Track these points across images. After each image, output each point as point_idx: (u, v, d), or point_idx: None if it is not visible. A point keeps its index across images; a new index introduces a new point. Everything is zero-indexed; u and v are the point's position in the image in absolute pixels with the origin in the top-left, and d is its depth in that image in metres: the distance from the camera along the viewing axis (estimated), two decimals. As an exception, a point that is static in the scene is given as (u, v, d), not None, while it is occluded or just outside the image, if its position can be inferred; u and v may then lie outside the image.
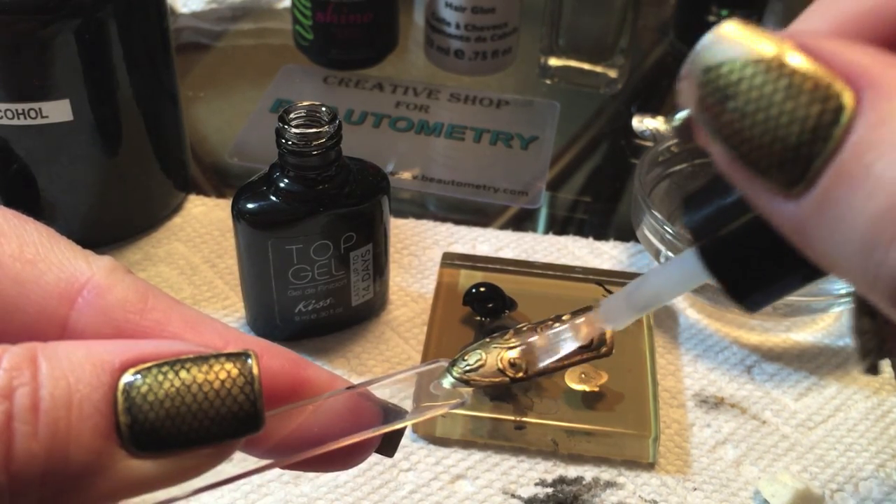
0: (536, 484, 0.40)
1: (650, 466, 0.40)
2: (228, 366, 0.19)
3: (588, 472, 0.40)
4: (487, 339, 0.25)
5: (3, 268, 0.20)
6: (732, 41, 0.16)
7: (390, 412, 0.23)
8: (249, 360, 0.19)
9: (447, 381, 0.24)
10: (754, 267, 0.19)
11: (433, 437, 0.41)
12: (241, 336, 0.21)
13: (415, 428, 0.41)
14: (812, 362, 0.46)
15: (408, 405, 0.23)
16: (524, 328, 0.25)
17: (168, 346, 0.19)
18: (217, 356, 0.19)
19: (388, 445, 0.24)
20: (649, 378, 0.42)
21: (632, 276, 0.48)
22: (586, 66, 0.64)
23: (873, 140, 0.15)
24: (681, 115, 0.19)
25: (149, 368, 0.18)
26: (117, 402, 0.18)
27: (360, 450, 0.23)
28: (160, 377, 0.18)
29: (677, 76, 0.17)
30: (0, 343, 0.18)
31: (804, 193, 0.16)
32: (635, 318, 0.22)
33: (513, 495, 0.39)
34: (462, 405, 0.24)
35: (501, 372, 0.24)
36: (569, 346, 0.23)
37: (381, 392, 0.23)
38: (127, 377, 0.18)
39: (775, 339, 0.47)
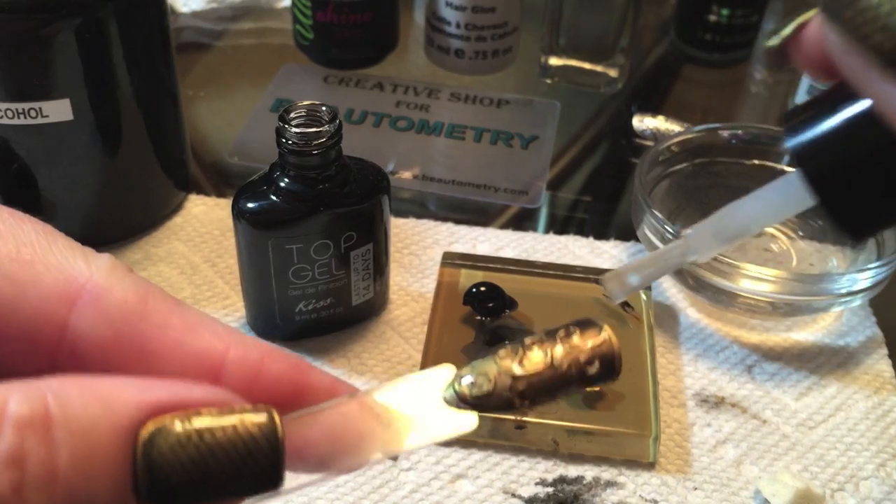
0: (537, 483, 0.40)
1: (650, 466, 0.40)
2: (252, 427, 0.18)
3: (588, 472, 0.40)
4: (499, 357, 0.24)
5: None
6: None
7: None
8: (273, 421, 0.18)
9: (451, 396, 0.23)
10: (865, 192, 0.18)
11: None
12: (242, 338, 0.21)
13: (415, 427, 0.41)
14: (812, 362, 0.46)
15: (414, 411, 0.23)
16: (535, 345, 0.24)
17: (186, 392, 0.18)
18: (241, 413, 0.18)
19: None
20: (650, 377, 0.42)
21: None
22: (586, 66, 0.64)
23: None
24: (775, 41, 0.18)
25: (169, 426, 0.18)
26: (136, 460, 0.17)
27: (358, 443, 0.23)
28: (182, 439, 0.18)
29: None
30: (4, 371, 0.18)
31: None
32: (721, 250, 0.21)
33: (513, 495, 0.39)
34: (468, 431, 0.24)
35: (509, 402, 0.24)
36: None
37: (386, 398, 0.22)
38: (146, 435, 0.17)
39: (776, 339, 0.47)
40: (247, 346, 0.21)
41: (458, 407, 0.23)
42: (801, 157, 0.18)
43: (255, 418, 0.18)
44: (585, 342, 0.23)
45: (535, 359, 0.23)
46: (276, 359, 0.21)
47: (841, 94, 0.18)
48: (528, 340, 0.23)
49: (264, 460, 0.18)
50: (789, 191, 0.19)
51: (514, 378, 0.23)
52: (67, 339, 0.20)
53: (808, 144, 0.18)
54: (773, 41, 0.18)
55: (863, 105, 0.17)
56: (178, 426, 0.18)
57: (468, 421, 0.23)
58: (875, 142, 0.17)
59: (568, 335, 0.23)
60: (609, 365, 0.23)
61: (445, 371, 0.23)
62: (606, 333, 0.23)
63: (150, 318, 0.20)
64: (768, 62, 0.17)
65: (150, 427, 0.18)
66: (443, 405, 0.23)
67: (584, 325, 0.23)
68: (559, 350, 0.23)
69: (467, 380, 0.23)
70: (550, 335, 0.24)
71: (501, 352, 0.23)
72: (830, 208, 0.18)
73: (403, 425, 0.22)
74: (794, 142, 0.18)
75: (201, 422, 0.18)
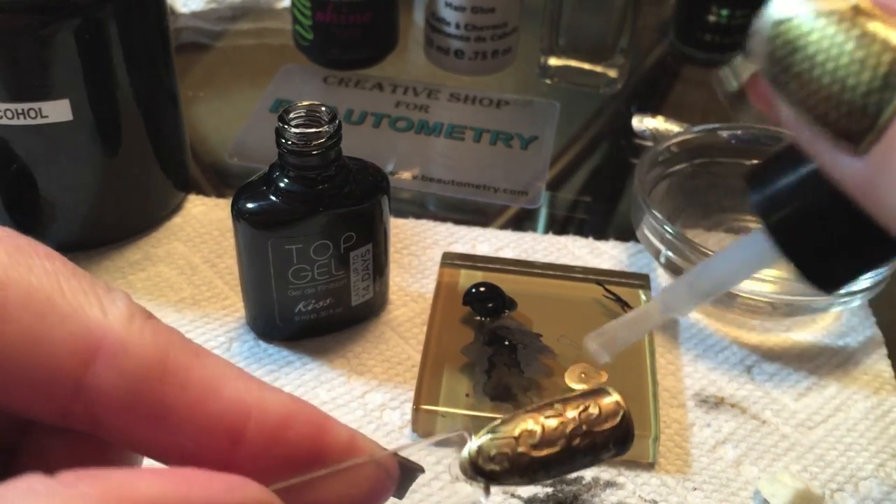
0: (539, 484, 0.40)
1: (650, 466, 0.40)
2: None
3: (588, 472, 0.40)
4: (518, 431, 0.23)
5: (9, 322, 0.18)
6: None
7: (406, 468, 0.22)
8: None
9: (467, 467, 0.23)
10: (829, 246, 0.18)
11: (437, 445, 0.41)
12: (262, 395, 0.20)
13: (414, 427, 0.41)
14: (812, 362, 0.46)
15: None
16: (554, 418, 0.23)
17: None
18: None
19: (400, 489, 0.23)
20: (649, 378, 0.42)
21: (632, 275, 0.48)
22: (586, 66, 0.64)
23: None
24: (739, 76, 0.18)
25: None
26: None
27: (371, 497, 0.22)
28: None
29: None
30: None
31: (872, 145, 0.15)
32: (698, 306, 0.22)
33: (513, 495, 0.39)
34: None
35: (522, 480, 0.24)
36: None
37: (402, 462, 0.22)
38: None
39: (775, 339, 0.47)
40: (268, 408, 0.20)
41: (472, 477, 0.23)
42: (764, 213, 0.18)
43: None
44: (603, 425, 0.23)
45: (553, 438, 0.23)
46: (298, 421, 0.20)
47: (799, 150, 0.18)
48: (549, 415, 0.23)
49: None
50: (757, 247, 0.19)
51: (532, 458, 0.23)
52: (82, 395, 0.18)
53: (770, 200, 0.18)
54: (730, 85, 0.18)
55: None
56: None
57: (479, 496, 0.23)
58: (834, 197, 0.17)
59: (587, 415, 0.23)
60: (622, 445, 0.23)
61: (463, 434, 0.23)
62: (625, 417, 0.23)
63: (169, 378, 0.19)
64: (730, 103, 0.17)
65: None
66: (455, 471, 0.23)
67: (606, 407, 0.23)
68: (577, 431, 0.23)
69: (486, 455, 0.23)
70: (568, 403, 0.23)
71: (521, 427, 0.23)
72: (795, 263, 0.18)
73: (414, 466, 0.22)
74: (756, 197, 0.18)
75: None
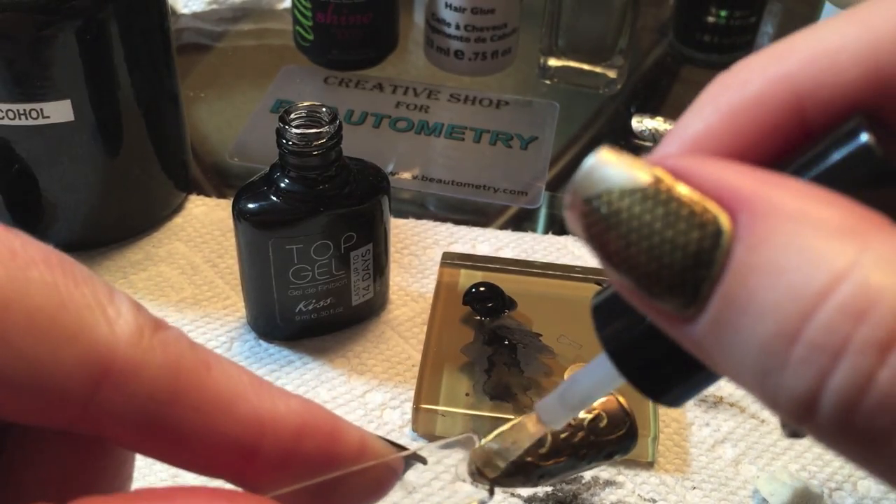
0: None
1: (649, 465, 0.41)
2: None
3: (587, 472, 0.40)
4: (525, 438, 0.23)
5: (11, 347, 0.17)
6: (608, 170, 0.16)
7: (409, 460, 0.23)
8: None
9: (474, 472, 0.23)
10: (665, 369, 0.18)
11: (433, 436, 0.41)
12: (275, 410, 0.19)
13: (415, 426, 0.41)
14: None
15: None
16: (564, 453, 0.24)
17: None
18: None
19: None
20: (648, 377, 0.42)
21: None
22: (586, 67, 0.64)
23: (752, 264, 0.15)
24: None
25: None
26: None
27: (374, 493, 0.22)
28: None
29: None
30: None
31: (698, 316, 0.16)
32: (572, 416, 0.22)
33: (512, 494, 0.39)
34: None
35: (525, 483, 0.24)
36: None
37: (410, 465, 0.22)
38: None
39: (774, 339, 0.47)
40: (281, 422, 0.19)
41: (478, 480, 0.23)
42: (605, 343, 0.19)
43: None
44: (610, 435, 0.23)
45: (561, 449, 0.23)
46: (311, 432, 0.20)
47: None
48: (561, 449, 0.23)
49: None
50: (603, 370, 0.20)
51: (538, 467, 0.23)
52: (90, 415, 0.18)
53: (604, 317, 0.19)
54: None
55: None
56: None
57: (482, 498, 0.23)
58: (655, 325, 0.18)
59: (595, 426, 0.23)
60: (626, 452, 0.24)
61: (470, 438, 0.23)
62: (631, 426, 0.23)
63: (181, 399, 0.18)
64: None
65: None
66: (462, 473, 0.23)
67: (614, 418, 0.24)
68: (584, 441, 0.23)
69: (493, 463, 0.23)
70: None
71: (514, 444, 0.23)
72: (633, 383, 0.19)
73: (418, 457, 0.22)
74: (597, 328, 0.19)
75: None
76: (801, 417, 0.15)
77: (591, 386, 0.21)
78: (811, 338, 0.14)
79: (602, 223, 0.16)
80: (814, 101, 0.17)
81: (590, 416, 0.23)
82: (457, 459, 0.24)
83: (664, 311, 0.16)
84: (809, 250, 0.15)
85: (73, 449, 0.20)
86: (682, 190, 0.16)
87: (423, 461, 0.23)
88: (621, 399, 0.24)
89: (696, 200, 0.16)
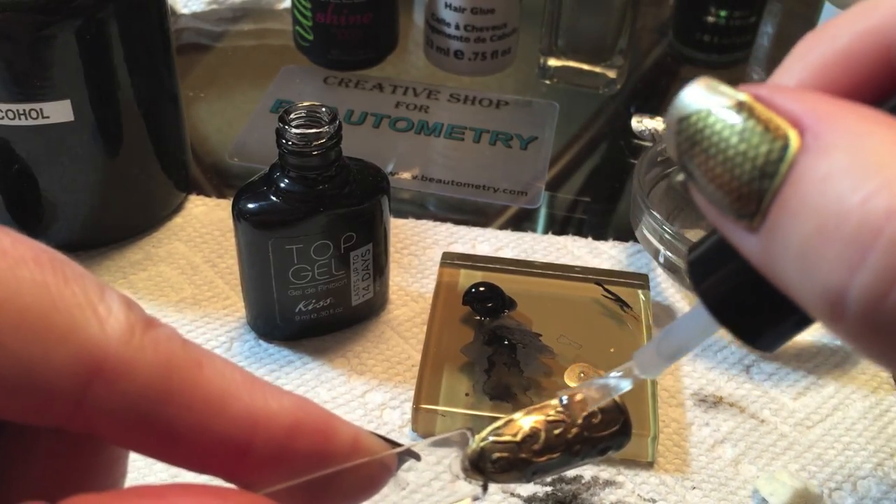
0: (536, 482, 0.40)
1: (649, 465, 0.41)
2: None
3: (587, 471, 0.40)
4: (521, 432, 0.23)
5: (1, 346, 0.17)
6: (700, 94, 0.18)
7: (403, 457, 0.23)
8: None
9: (468, 467, 0.24)
10: (758, 314, 0.20)
11: (438, 444, 0.41)
12: (268, 407, 0.19)
13: (414, 426, 0.41)
14: (810, 361, 0.46)
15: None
16: (556, 423, 0.24)
17: None
18: None
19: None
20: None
21: (631, 275, 0.48)
22: (585, 67, 0.64)
23: (808, 173, 0.17)
24: (680, 177, 0.21)
25: None
26: None
27: (368, 490, 0.22)
28: None
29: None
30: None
31: (761, 226, 0.17)
32: (668, 366, 0.23)
33: (512, 494, 0.39)
34: (475, 500, 0.24)
35: (521, 479, 0.24)
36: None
37: (403, 461, 0.22)
38: None
39: (774, 339, 0.47)
40: (274, 420, 0.19)
41: (472, 476, 0.23)
42: (696, 283, 0.21)
43: None
44: (603, 431, 0.24)
45: (555, 445, 0.23)
46: (304, 430, 0.20)
47: None
48: (552, 419, 0.23)
49: None
50: (699, 319, 0.21)
51: (532, 463, 0.23)
52: (81, 413, 0.18)
53: (700, 270, 0.20)
54: (677, 180, 0.21)
55: None
56: None
57: (476, 493, 0.24)
58: (747, 267, 0.19)
59: (589, 422, 0.24)
60: (618, 449, 0.24)
61: (464, 434, 0.24)
62: (625, 423, 0.23)
63: (174, 399, 0.18)
64: (681, 191, 0.21)
65: None
66: (456, 470, 0.24)
67: (608, 414, 0.24)
68: (578, 438, 0.23)
69: (487, 457, 0.23)
70: (572, 402, 0.24)
71: (524, 432, 0.23)
72: (729, 328, 0.20)
73: (411, 453, 0.23)
74: (690, 270, 0.21)
75: None
76: (833, 315, 0.16)
77: (688, 336, 0.22)
78: (845, 234, 0.16)
79: (690, 140, 0.18)
80: None
81: (584, 413, 0.23)
82: (451, 455, 0.24)
83: (734, 224, 0.18)
84: (863, 161, 0.16)
85: (66, 447, 0.20)
86: (760, 109, 0.18)
87: (417, 457, 0.23)
88: (618, 402, 0.24)
89: (770, 118, 0.17)
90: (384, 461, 0.22)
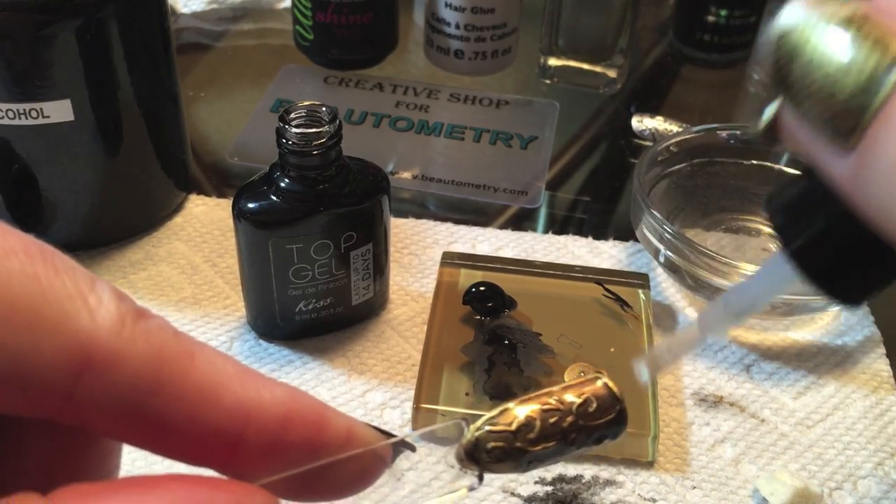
0: (536, 482, 0.40)
1: (649, 465, 0.41)
2: None
3: (587, 471, 0.40)
4: (513, 421, 0.23)
5: None
6: (807, 7, 0.18)
7: (398, 448, 0.23)
8: None
9: (463, 457, 0.23)
10: (846, 265, 0.19)
11: (433, 435, 0.41)
12: (260, 398, 0.19)
13: (414, 426, 0.41)
14: (810, 361, 0.46)
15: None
16: (550, 411, 0.24)
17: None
18: None
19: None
20: (648, 377, 0.42)
21: (631, 275, 0.48)
22: (586, 66, 0.64)
23: None
24: (767, 115, 0.19)
25: None
26: None
27: (362, 481, 0.22)
28: None
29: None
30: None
31: (857, 143, 0.17)
32: (734, 325, 0.23)
33: (512, 493, 0.39)
34: (471, 490, 0.24)
35: (517, 468, 0.24)
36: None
37: (397, 451, 0.22)
38: None
39: (774, 339, 0.47)
40: (266, 411, 0.19)
41: (467, 466, 0.23)
42: (783, 237, 0.19)
43: None
44: (599, 419, 0.23)
45: (550, 434, 0.23)
46: (297, 421, 0.20)
47: (814, 169, 0.19)
48: (546, 408, 0.23)
49: None
50: (781, 269, 0.20)
51: (528, 453, 0.23)
52: (72, 405, 0.18)
53: (787, 224, 0.19)
54: (760, 125, 0.20)
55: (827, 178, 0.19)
56: None
57: (471, 483, 0.23)
58: (846, 217, 0.18)
59: (584, 410, 0.23)
60: (614, 437, 0.24)
61: (459, 425, 0.23)
62: (621, 412, 0.23)
63: (165, 389, 0.18)
64: (763, 139, 0.19)
65: None
66: (451, 461, 0.23)
67: (603, 401, 0.23)
68: (573, 426, 0.23)
69: (482, 447, 0.23)
70: (566, 394, 0.23)
71: (519, 421, 0.23)
72: (815, 280, 0.19)
73: (406, 444, 0.22)
74: (775, 222, 0.20)
75: None
76: None
77: (763, 289, 0.21)
78: None
79: (789, 53, 0.18)
80: None
81: (579, 401, 0.23)
82: (447, 447, 0.24)
83: (827, 143, 0.17)
84: None
85: (58, 439, 0.20)
86: (871, 24, 0.17)
87: (412, 449, 0.23)
88: (611, 383, 0.23)
89: (881, 33, 0.17)
90: (379, 452, 0.22)
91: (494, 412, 0.23)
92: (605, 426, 0.23)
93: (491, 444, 0.23)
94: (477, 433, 0.23)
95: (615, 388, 0.23)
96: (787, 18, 0.18)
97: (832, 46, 0.17)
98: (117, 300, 0.18)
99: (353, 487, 0.22)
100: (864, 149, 0.17)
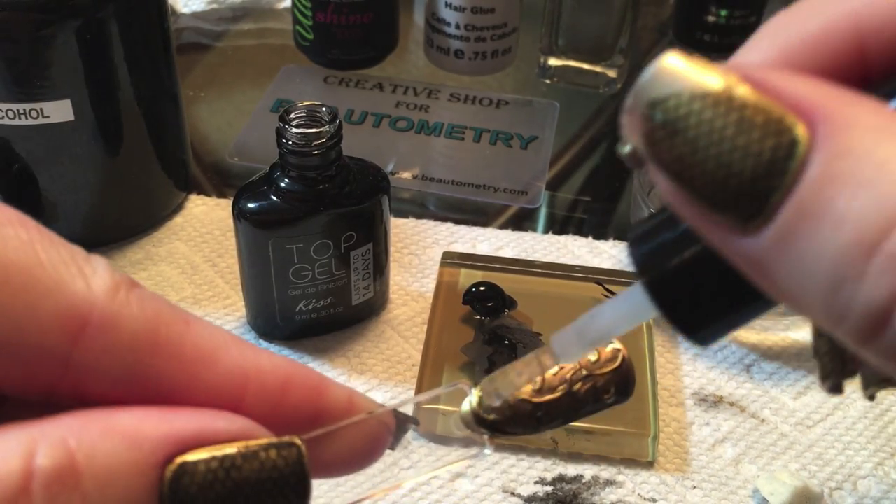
0: (536, 482, 0.40)
1: (649, 465, 0.41)
2: (280, 461, 0.18)
3: (587, 471, 0.40)
4: (517, 378, 0.23)
5: None
6: (677, 74, 0.16)
7: (400, 421, 0.23)
8: (301, 455, 0.18)
9: (469, 418, 0.23)
10: (703, 302, 0.18)
11: (433, 435, 0.41)
12: (258, 361, 0.19)
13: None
14: (811, 361, 0.46)
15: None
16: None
17: (211, 424, 0.18)
18: (267, 447, 0.18)
19: (394, 441, 0.23)
20: (648, 377, 0.42)
21: (631, 274, 0.48)
22: (586, 66, 0.64)
23: (833, 174, 0.15)
24: (626, 148, 0.18)
25: (195, 463, 0.17)
26: (164, 500, 0.17)
27: (370, 452, 0.22)
28: (209, 476, 0.17)
29: (622, 108, 0.16)
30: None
31: (763, 228, 0.15)
32: (587, 352, 0.22)
33: (513, 493, 0.39)
34: (481, 456, 0.23)
35: (526, 428, 0.23)
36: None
37: (402, 415, 0.22)
38: (173, 474, 0.17)
39: (774, 338, 0.47)
40: (265, 374, 0.19)
41: (474, 429, 0.23)
42: (641, 268, 0.18)
43: (282, 452, 0.18)
44: (603, 368, 0.23)
45: (554, 384, 0.22)
46: (296, 384, 0.20)
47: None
48: (545, 364, 0.23)
49: (292, 494, 0.18)
50: (634, 301, 0.19)
51: (534, 405, 0.22)
52: (70, 374, 0.18)
53: (646, 257, 0.18)
54: (623, 152, 0.18)
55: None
56: (205, 464, 0.17)
57: (482, 449, 0.23)
58: (707, 257, 0.17)
59: (586, 360, 0.23)
60: (623, 391, 0.23)
61: (462, 388, 0.23)
62: (624, 361, 0.23)
63: (162, 350, 0.18)
64: (629, 165, 0.17)
65: (176, 465, 0.17)
66: (459, 424, 0.23)
67: (605, 352, 0.23)
68: (578, 376, 0.23)
69: (487, 405, 0.22)
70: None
71: (520, 376, 0.22)
72: (668, 316, 0.18)
73: (408, 417, 0.22)
74: (632, 253, 0.18)
75: (227, 458, 0.18)
76: (869, 334, 0.14)
77: (616, 319, 0.20)
78: (893, 249, 0.14)
79: (666, 128, 0.16)
80: (878, 41, 0.17)
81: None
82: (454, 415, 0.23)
83: (723, 225, 0.16)
84: (893, 163, 0.14)
85: None
86: (757, 97, 0.15)
87: (416, 422, 0.22)
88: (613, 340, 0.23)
89: (772, 108, 0.15)
90: (383, 419, 0.21)
91: (495, 373, 0.23)
92: (610, 375, 0.23)
93: (496, 403, 0.22)
94: (480, 393, 0.22)
95: (617, 343, 0.23)
96: (658, 82, 0.16)
97: (721, 124, 0.15)
98: (111, 270, 0.19)
99: (360, 459, 0.21)
100: (773, 237, 0.15)
